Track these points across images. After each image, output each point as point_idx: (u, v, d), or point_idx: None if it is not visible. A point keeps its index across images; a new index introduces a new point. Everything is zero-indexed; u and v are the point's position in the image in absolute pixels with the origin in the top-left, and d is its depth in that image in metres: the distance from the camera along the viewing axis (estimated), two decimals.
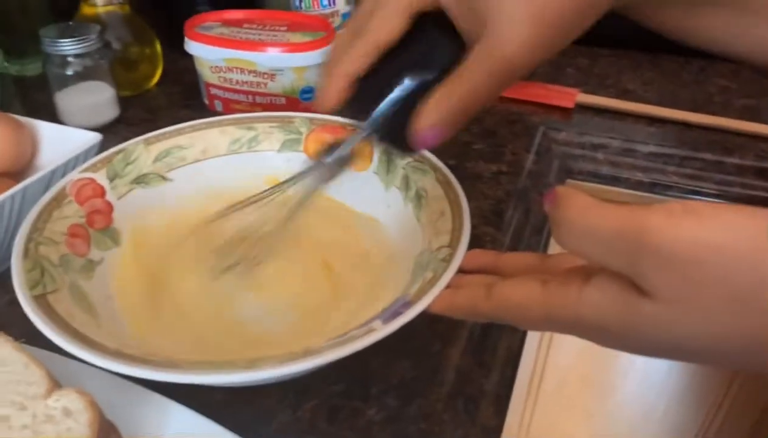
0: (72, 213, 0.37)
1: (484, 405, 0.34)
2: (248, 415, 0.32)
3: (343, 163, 0.37)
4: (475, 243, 0.33)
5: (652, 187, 0.54)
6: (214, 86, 0.60)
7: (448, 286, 0.30)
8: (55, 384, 0.28)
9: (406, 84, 0.31)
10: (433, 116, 0.29)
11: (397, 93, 0.31)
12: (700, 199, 0.53)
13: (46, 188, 0.40)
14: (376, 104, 0.32)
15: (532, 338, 0.59)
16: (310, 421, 0.32)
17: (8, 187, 0.39)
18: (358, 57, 0.31)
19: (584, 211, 0.21)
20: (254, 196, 0.37)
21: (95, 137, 0.44)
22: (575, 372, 0.70)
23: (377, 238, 0.40)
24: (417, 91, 0.31)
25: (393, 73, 0.32)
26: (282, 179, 0.43)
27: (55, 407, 0.27)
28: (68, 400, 0.27)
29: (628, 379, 0.70)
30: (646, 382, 0.70)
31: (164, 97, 0.66)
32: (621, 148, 0.58)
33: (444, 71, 0.30)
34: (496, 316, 0.26)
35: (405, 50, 0.31)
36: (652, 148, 0.57)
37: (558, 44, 0.27)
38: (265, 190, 0.38)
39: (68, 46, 0.55)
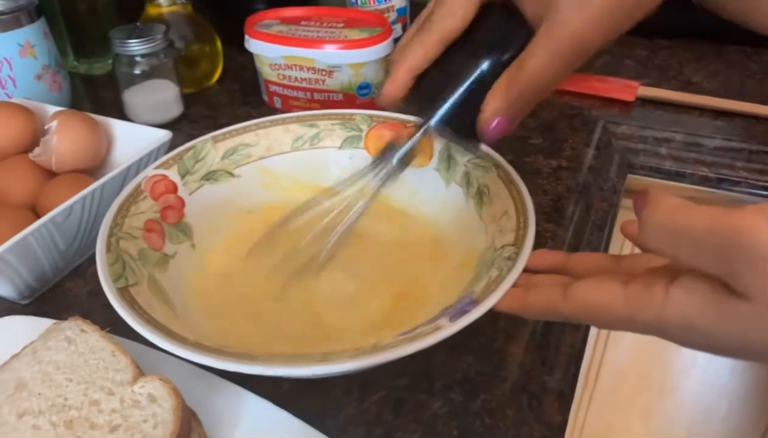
0: (147, 208, 0.39)
1: (548, 402, 0.34)
2: (316, 406, 0.33)
3: (406, 160, 0.37)
4: (536, 240, 0.33)
5: (719, 183, 0.52)
6: (274, 83, 0.62)
7: (515, 286, 0.30)
8: (140, 371, 0.30)
9: (472, 72, 0.31)
10: (500, 102, 0.29)
11: (462, 82, 0.31)
12: None
13: (122, 184, 0.42)
14: (441, 96, 0.32)
15: (590, 334, 0.58)
16: (376, 413, 0.33)
17: (87, 184, 0.41)
18: (423, 50, 0.31)
19: (673, 212, 0.21)
20: (319, 195, 0.38)
21: (166, 135, 0.46)
22: (633, 370, 0.69)
23: (438, 235, 0.41)
24: (483, 80, 0.30)
25: (458, 62, 0.31)
26: (344, 176, 0.44)
27: (141, 393, 0.28)
28: (152, 386, 0.29)
29: (689, 378, 0.68)
30: (707, 381, 0.68)
31: (224, 94, 0.68)
32: (685, 143, 0.56)
33: (511, 57, 0.29)
34: (574, 316, 0.25)
35: (470, 39, 0.31)
36: (718, 143, 0.56)
37: (624, 23, 0.27)
38: (330, 191, 0.38)
39: (136, 47, 0.57)
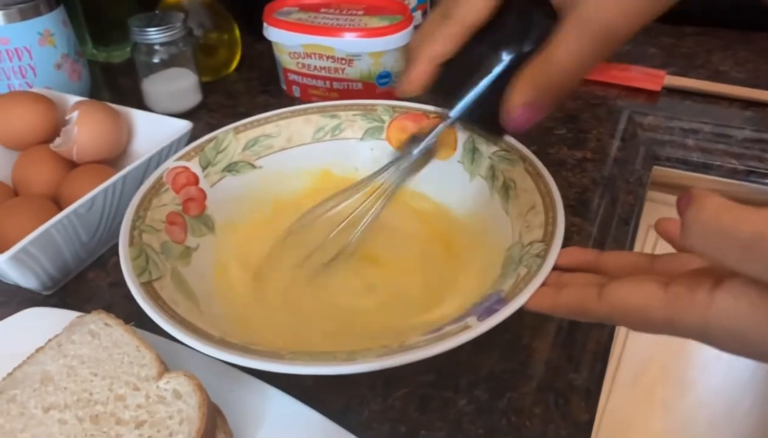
0: (169, 201, 0.38)
1: (575, 400, 0.33)
2: (340, 402, 0.33)
3: (430, 153, 0.36)
4: None
5: (748, 176, 0.51)
6: (293, 72, 0.61)
7: (544, 284, 0.29)
8: (165, 367, 0.29)
9: (497, 62, 0.30)
10: (528, 92, 0.28)
11: (487, 73, 0.30)
12: None
13: (143, 175, 0.42)
14: (464, 87, 0.31)
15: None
16: (401, 409, 0.33)
17: (108, 175, 0.41)
18: (446, 38, 0.31)
19: (720, 213, 0.20)
20: (344, 190, 0.38)
21: (186, 125, 0.45)
22: (654, 363, 0.68)
23: (462, 229, 0.40)
24: (508, 70, 0.29)
25: (482, 52, 0.30)
26: (367, 168, 0.43)
27: (166, 389, 0.28)
28: (177, 382, 0.28)
29: (711, 373, 0.68)
30: (730, 377, 0.67)
31: (243, 82, 0.68)
32: (713, 134, 0.55)
33: (537, 47, 0.28)
34: (610, 318, 0.25)
35: (494, 29, 0.30)
36: (747, 134, 0.54)
37: (657, 9, 0.27)
38: (355, 184, 0.38)
39: (155, 35, 0.57)
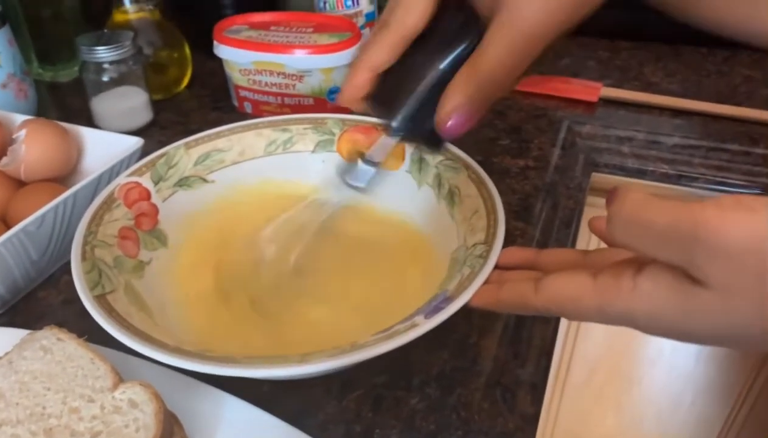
0: (121, 216, 0.39)
1: (521, 394, 0.35)
2: (296, 406, 0.34)
3: (377, 168, 0.35)
4: (506, 238, 0.34)
5: (678, 179, 0.55)
6: (244, 88, 0.62)
7: (487, 282, 0.31)
8: (119, 377, 0.30)
9: (430, 71, 0.30)
10: (457, 98, 0.29)
11: (422, 81, 0.30)
12: (727, 191, 0.53)
13: (94, 192, 0.42)
14: (402, 98, 0.31)
15: (560, 329, 0.60)
16: (355, 410, 0.34)
17: (58, 192, 0.41)
18: (383, 47, 0.31)
19: (639, 206, 0.22)
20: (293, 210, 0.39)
21: (137, 142, 0.46)
22: (602, 363, 0.71)
23: (411, 235, 0.42)
24: (442, 78, 0.30)
25: (418, 61, 0.31)
26: (320, 181, 0.45)
27: (122, 399, 0.29)
28: (133, 392, 0.29)
29: (656, 369, 0.71)
30: (673, 372, 0.70)
31: (194, 99, 0.68)
32: (646, 141, 0.58)
33: (468, 54, 0.29)
34: (546, 309, 0.26)
35: (429, 36, 0.31)
36: (677, 140, 0.58)
37: (574, 17, 0.28)
38: (306, 203, 0.39)
39: (104, 54, 0.57)
